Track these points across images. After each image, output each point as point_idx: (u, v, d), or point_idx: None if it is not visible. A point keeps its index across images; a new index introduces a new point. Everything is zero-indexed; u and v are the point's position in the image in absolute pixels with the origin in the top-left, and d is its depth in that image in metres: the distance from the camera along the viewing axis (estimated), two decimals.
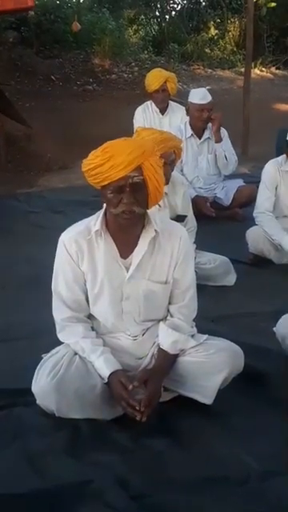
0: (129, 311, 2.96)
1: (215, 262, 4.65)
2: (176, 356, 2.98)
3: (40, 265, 3.94)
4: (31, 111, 10.73)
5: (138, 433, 2.79)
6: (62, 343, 3.00)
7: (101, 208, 2.94)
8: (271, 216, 5.00)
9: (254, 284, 4.72)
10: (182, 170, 6.34)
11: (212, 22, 16.85)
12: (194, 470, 2.60)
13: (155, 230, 2.87)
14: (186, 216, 4.50)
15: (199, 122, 6.36)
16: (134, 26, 17.18)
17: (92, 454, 2.68)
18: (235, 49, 16.19)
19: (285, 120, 9.26)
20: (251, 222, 5.17)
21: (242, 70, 12.12)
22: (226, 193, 6.52)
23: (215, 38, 16.62)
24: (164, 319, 3.03)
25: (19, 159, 9.51)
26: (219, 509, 2.38)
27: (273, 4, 13.75)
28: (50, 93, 12.31)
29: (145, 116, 7.34)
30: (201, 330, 3.10)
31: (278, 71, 15.69)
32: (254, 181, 6.23)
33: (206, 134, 6.44)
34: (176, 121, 7.09)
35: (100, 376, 2.85)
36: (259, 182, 5.19)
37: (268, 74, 15.31)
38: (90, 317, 3.03)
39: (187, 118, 6.49)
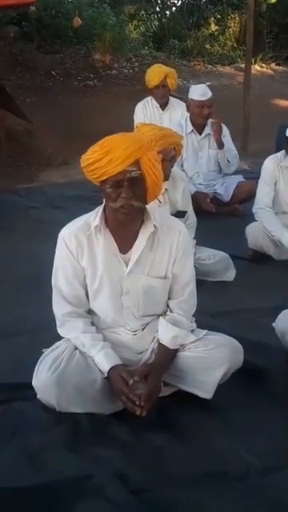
0: (128, 306, 2.96)
1: (215, 257, 4.65)
2: (176, 351, 2.99)
3: (40, 260, 3.93)
4: (32, 106, 10.73)
5: (138, 427, 2.79)
6: (63, 338, 3.01)
7: (101, 203, 2.95)
8: (271, 212, 5.00)
9: (254, 280, 4.73)
10: (182, 166, 6.34)
11: (212, 18, 16.80)
12: (194, 464, 2.61)
13: (154, 226, 2.88)
14: (186, 212, 4.51)
15: (200, 118, 6.35)
16: (135, 22, 17.12)
17: (92, 448, 2.68)
18: (235, 45, 16.15)
19: (285, 116, 9.24)
20: (251, 217, 5.17)
21: (242, 65, 12.11)
22: (225, 189, 6.52)
23: (215, 33, 16.58)
24: (164, 314, 3.04)
25: (20, 154, 9.52)
26: (218, 504, 2.38)
27: (273, 0, 13.75)
28: (50, 88, 12.29)
29: (145, 111, 7.35)
30: (200, 326, 3.11)
31: (278, 67, 15.66)
32: (253, 177, 6.22)
33: (207, 130, 6.44)
34: (176, 116, 7.09)
35: (100, 371, 2.86)
36: (259, 177, 5.19)
37: (268, 70, 15.28)
38: (90, 312, 3.03)
39: (188, 114, 6.49)
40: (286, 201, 5.08)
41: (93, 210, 2.98)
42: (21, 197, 7.46)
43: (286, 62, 16.04)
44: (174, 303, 3.04)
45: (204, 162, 6.52)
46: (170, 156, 4.22)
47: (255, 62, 14.63)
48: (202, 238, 4.73)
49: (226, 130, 6.48)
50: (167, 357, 2.97)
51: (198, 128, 6.46)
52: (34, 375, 2.89)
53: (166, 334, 2.96)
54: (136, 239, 2.90)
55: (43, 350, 3.00)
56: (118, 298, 2.95)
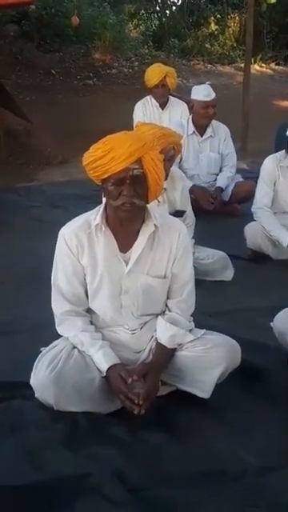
0: (127, 305, 2.97)
1: (213, 257, 4.66)
2: (174, 350, 2.99)
3: (40, 259, 3.94)
4: (31, 105, 10.73)
5: (136, 426, 2.80)
6: (61, 337, 3.01)
7: (100, 202, 2.95)
8: (269, 212, 5.01)
9: (252, 279, 4.74)
10: (180, 168, 6.32)
11: (212, 18, 16.85)
12: (192, 464, 2.61)
13: (155, 225, 2.89)
14: (184, 211, 4.50)
15: (204, 118, 6.34)
16: (135, 21, 17.17)
17: (90, 447, 2.68)
18: (235, 44, 16.19)
19: (284, 116, 9.24)
20: (249, 217, 5.17)
21: (242, 65, 12.12)
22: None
23: (215, 33, 16.63)
24: (162, 313, 3.05)
25: (19, 153, 9.51)
26: (216, 503, 2.38)
27: (273, 0, 13.74)
28: (50, 87, 12.30)
29: (145, 111, 7.35)
30: (198, 325, 3.11)
31: (277, 67, 15.69)
32: (252, 176, 6.22)
33: (208, 133, 6.44)
34: (176, 116, 7.09)
35: (98, 369, 2.86)
36: (258, 177, 5.19)
37: (267, 70, 15.31)
38: (89, 311, 3.04)
39: (188, 114, 6.48)
40: (286, 201, 5.09)
41: (92, 208, 2.98)
42: (20, 196, 7.46)
43: (286, 61, 16.09)
44: (173, 303, 3.04)
45: (204, 164, 6.51)
46: (169, 155, 4.22)
47: (255, 62, 14.67)
48: (201, 237, 4.74)
49: (227, 133, 6.49)
50: (165, 356, 2.97)
51: (200, 129, 6.45)
52: (31, 374, 2.89)
53: (164, 333, 2.97)
54: (136, 238, 2.90)
55: (41, 349, 3.01)
56: (117, 296, 2.95)
